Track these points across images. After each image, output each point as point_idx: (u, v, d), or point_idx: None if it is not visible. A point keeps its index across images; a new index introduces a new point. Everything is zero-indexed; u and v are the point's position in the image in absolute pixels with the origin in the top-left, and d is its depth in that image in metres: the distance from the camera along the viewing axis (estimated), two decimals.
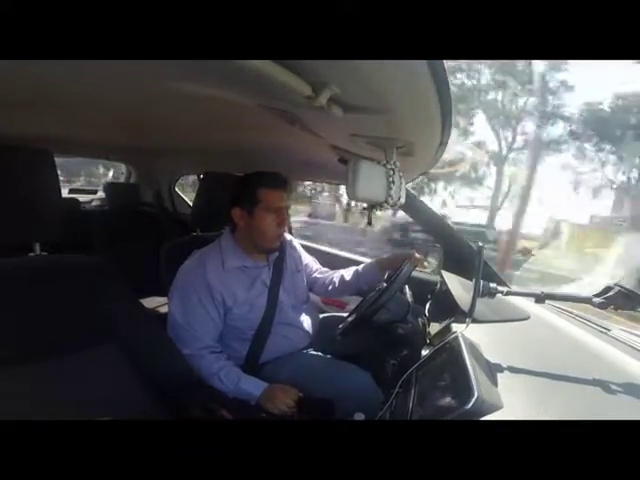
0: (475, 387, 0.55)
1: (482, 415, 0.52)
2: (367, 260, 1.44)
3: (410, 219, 1.43)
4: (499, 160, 12.84)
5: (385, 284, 1.04)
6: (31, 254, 0.79)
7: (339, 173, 1.09)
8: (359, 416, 0.77)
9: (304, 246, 1.38)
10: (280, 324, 1.10)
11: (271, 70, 0.45)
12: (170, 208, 2.27)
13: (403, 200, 0.85)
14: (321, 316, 1.31)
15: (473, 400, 0.53)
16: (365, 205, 0.88)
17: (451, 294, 0.98)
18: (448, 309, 0.94)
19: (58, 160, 0.80)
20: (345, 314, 1.22)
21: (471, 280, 0.81)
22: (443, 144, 0.84)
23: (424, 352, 0.82)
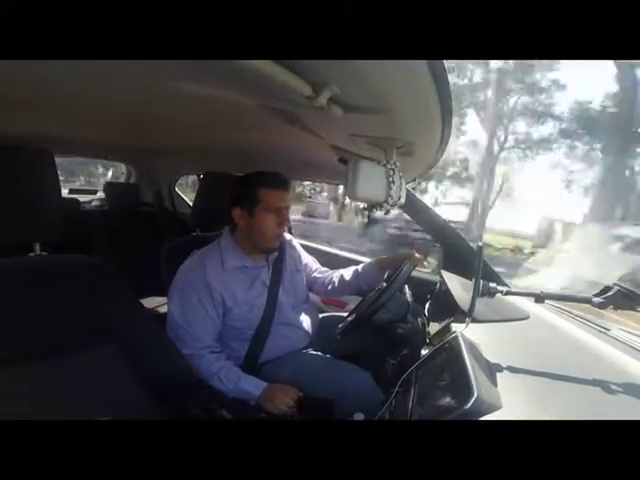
0: (475, 387, 0.55)
1: (482, 415, 0.52)
2: (367, 260, 1.44)
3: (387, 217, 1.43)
4: (491, 159, 12.86)
5: (385, 284, 1.04)
6: (31, 254, 0.79)
7: (339, 173, 1.09)
8: (359, 416, 0.77)
9: (304, 246, 1.38)
10: (280, 324, 1.10)
11: (271, 70, 0.45)
12: (170, 208, 2.27)
13: (403, 200, 0.85)
14: (321, 316, 1.31)
15: (473, 400, 0.53)
16: (363, 205, 0.88)
17: (451, 294, 0.98)
18: (448, 309, 0.94)
19: (58, 160, 0.80)
20: (345, 314, 1.22)
21: (471, 280, 0.81)
22: (443, 144, 0.84)
23: (424, 352, 0.82)
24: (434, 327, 0.98)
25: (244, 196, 1.04)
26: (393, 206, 0.83)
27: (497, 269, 1.20)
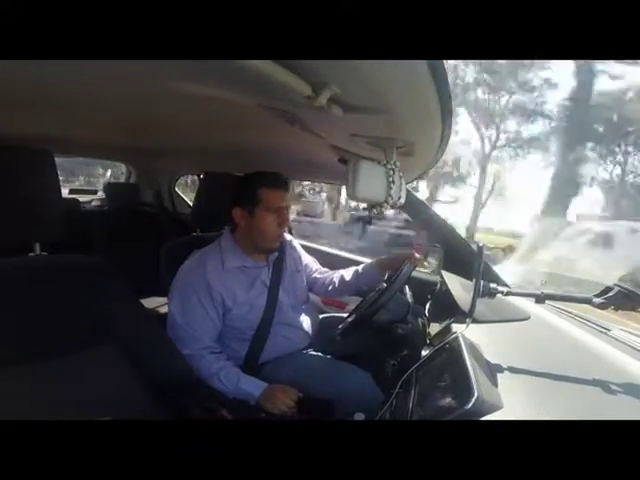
0: (475, 387, 0.55)
1: (482, 415, 0.52)
2: (367, 260, 1.44)
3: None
4: (482, 158, 12.86)
5: (385, 284, 1.04)
6: (31, 254, 0.79)
7: (339, 173, 1.09)
8: (359, 416, 0.77)
9: (304, 246, 1.38)
10: (280, 324, 1.10)
11: (271, 70, 0.45)
12: (170, 208, 2.27)
13: (403, 200, 0.85)
14: (321, 316, 1.31)
15: (473, 400, 0.53)
16: (354, 204, 0.88)
17: (451, 294, 0.98)
18: (448, 309, 0.94)
19: (58, 160, 0.80)
20: (345, 314, 1.22)
21: (471, 280, 0.81)
22: (443, 144, 0.84)
23: (424, 352, 0.82)
24: (434, 327, 0.98)
25: (244, 196, 1.04)
26: (393, 206, 0.83)
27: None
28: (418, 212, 1.34)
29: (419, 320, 1.06)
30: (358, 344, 1.13)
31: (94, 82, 0.63)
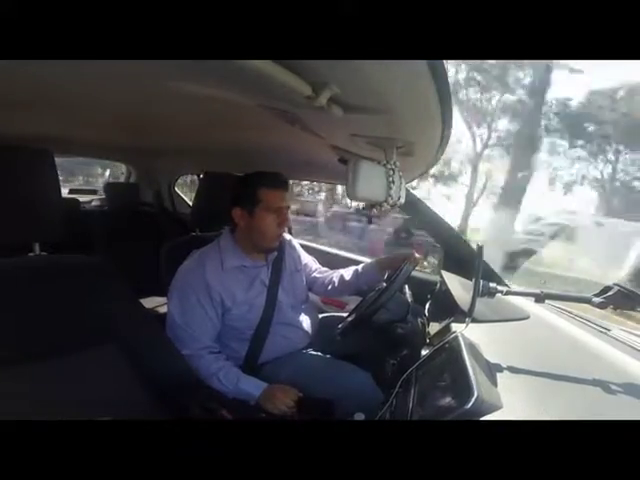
0: (475, 387, 0.55)
1: (482, 415, 0.52)
2: (367, 260, 1.44)
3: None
4: (474, 157, 12.84)
5: (385, 284, 1.04)
6: (31, 254, 0.79)
7: (339, 173, 1.09)
8: (359, 416, 0.77)
9: (303, 246, 1.38)
10: (279, 324, 1.10)
11: (271, 70, 0.45)
12: (170, 208, 2.27)
13: (403, 200, 0.85)
14: (321, 316, 1.31)
15: (473, 400, 0.53)
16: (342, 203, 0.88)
17: (451, 294, 0.98)
18: (448, 309, 0.94)
19: (57, 160, 0.80)
20: (345, 314, 1.22)
21: (471, 280, 0.81)
22: (443, 144, 0.84)
23: (424, 352, 0.82)
24: (434, 327, 0.98)
25: (244, 196, 1.04)
26: (393, 206, 0.83)
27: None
28: (418, 212, 1.34)
29: (419, 320, 1.06)
30: (358, 344, 1.13)
31: (94, 82, 0.63)
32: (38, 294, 0.74)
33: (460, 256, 1.23)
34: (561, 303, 1.07)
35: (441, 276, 1.18)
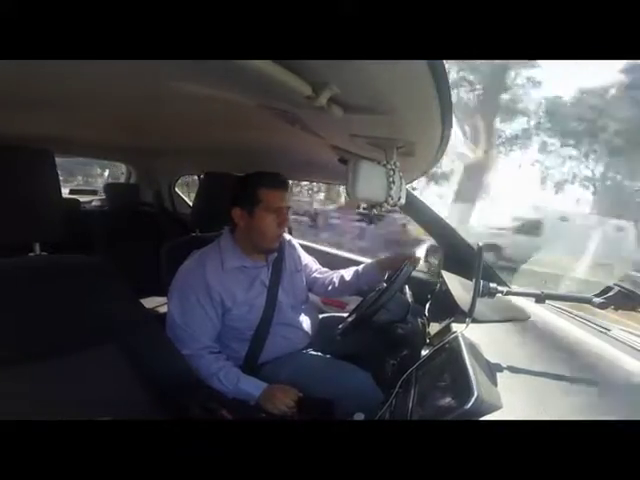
0: (475, 387, 0.55)
1: (482, 415, 0.52)
2: (367, 260, 1.44)
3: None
4: (466, 156, 12.87)
5: (385, 284, 1.04)
6: (31, 254, 0.79)
7: (339, 173, 1.09)
8: (359, 416, 0.77)
9: (303, 246, 1.38)
10: (279, 324, 1.10)
11: (271, 70, 0.45)
12: (170, 208, 2.27)
13: (403, 200, 0.85)
14: (321, 316, 1.31)
15: (473, 400, 0.53)
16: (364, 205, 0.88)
17: (451, 294, 0.98)
18: (448, 309, 0.94)
19: (57, 160, 0.80)
20: (345, 314, 1.22)
21: (471, 280, 0.81)
22: (443, 144, 0.84)
23: (424, 352, 0.82)
24: (434, 327, 0.98)
25: (244, 196, 1.04)
26: (393, 206, 0.83)
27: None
28: (418, 212, 1.34)
29: (419, 320, 1.06)
30: (358, 344, 1.13)
31: (94, 82, 0.63)
32: (38, 294, 0.74)
33: (460, 256, 1.23)
34: (561, 303, 1.07)
35: (441, 276, 1.18)
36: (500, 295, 0.85)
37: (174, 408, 0.76)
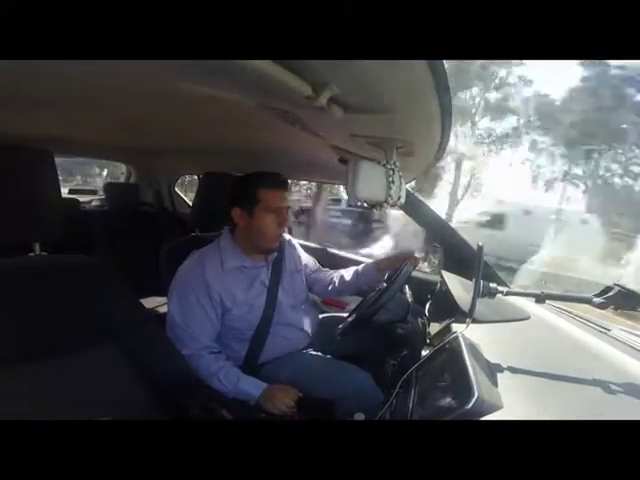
0: (475, 387, 0.55)
1: (482, 415, 0.52)
2: (368, 260, 1.44)
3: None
4: (457, 154, 12.88)
5: (385, 284, 1.04)
6: (31, 254, 0.79)
7: (339, 173, 1.09)
8: (359, 416, 0.77)
9: (303, 246, 1.38)
10: (279, 324, 1.10)
11: (271, 70, 0.45)
12: (170, 208, 2.27)
13: (403, 200, 0.85)
14: (321, 316, 1.31)
15: (473, 400, 0.53)
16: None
17: (451, 294, 0.98)
18: (448, 309, 0.94)
19: (56, 160, 0.80)
20: (345, 314, 1.22)
21: (471, 280, 0.81)
22: (443, 144, 0.84)
23: (424, 352, 0.82)
24: (434, 327, 0.98)
25: (243, 196, 1.04)
26: (393, 206, 0.83)
27: None
28: (418, 212, 1.34)
29: (419, 320, 1.06)
30: (358, 344, 1.13)
31: (94, 82, 0.63)
32: (38, 294, 0.74)
33: (460, 256, 1.23)
34: (561, 303, 1.07)
35: (441, 276, 1.18)
36: (500, 295, 0.85)
37: (174, 408, 0.76)
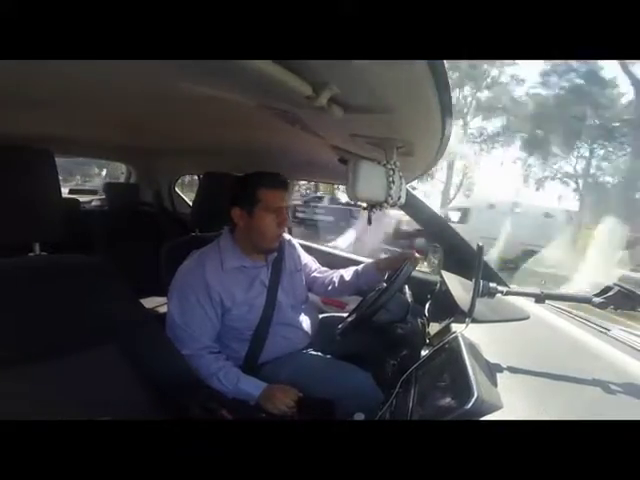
0: (475, 387, 0.55)
1: (482, 415, 0.52)
2: (367, 260, 1.44)
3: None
4: (449, 154, 12.86)
5: (385, 284, 1.04)
6: (31, 254, 0.79)
7: (339, 173, 1.09)
8: (359, 416, 0.77)
9: (303, 246, 1.38)
10: (279, 324, 1.10)
11: (271, 70, 0.45)
12: (170, 208, 2.27)
13: (403, 200, 0.85)
14: (321, 316, 1.31)
15: (473, 400, 0.53)
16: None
17: (451, 294, 0.98)
18: (448, 309, 0.94)
19: (57, 160, 0.80)
20: (345, 314, 1.22)
21: (471, 280, 0.81)
22: (443, 144, 0.84)
23: (424, 352, 0.82)
24: (434, 327, 0.98)
25: (243, 196, 1.04)
26: (393, 206, 0.83)
27: None
28: (418, 212, 1.34)
29: (419, 320, 1.06)
30: (358, 344, 1.13)
31: (94, 82, 0.63)
32: (38, 294, 0.74)
33: (460, 256, 1.23)
34: (561, 303, 1.07)
35: (441, 276, 1.18)
36: (500, 295, 0.85)
37: (174, 408, 0.76)
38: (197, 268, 1.03)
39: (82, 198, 2.53)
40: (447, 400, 0.59)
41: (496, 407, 0.54)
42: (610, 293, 0.79)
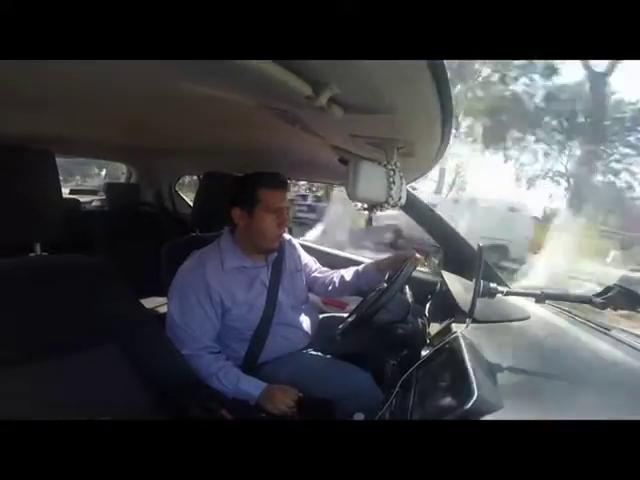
0: (475, 387, 0.55)
1: (482, 415, 0.52)
2: (368, 260, 1.44)
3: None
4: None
5: (385, 284, 1.04)
6: (31, 254, 0.79)
7: (339, 173, 1.09)
8: (359, 416, 0.77)
9: (303, 246, 1.38)
10: (279, 324, 1.10)
11: (271, 70, 0.45)
12: (170, 208, 2.27)
13: (404, 201, 0.85)
14: (321, 316, 1.31)
15: (473, 400, 0.53)
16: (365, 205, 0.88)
17: (451, 294, 0.98)
18: (448, 309, 0.94)
19: (57, 160, 0.80)
20: (345, 314, 1.22)
21: (471, 280, 0.81)
22: (443, 144, 0.84)
23: (424, 352, 0.82)
24: (434, 327, 0.98)
25: (243, 196, 1.04)
26: (394, 207, 0.83)
27: None
28: (418, 212, 1.34)
29: (419, 320, 1.06)
30: (358, 344, 1.13)
31: (94, 82, 0.63)
32: (38, 294, 0.74)
33: (460, 256, 1.23)
34: (561, 303, 1.07)
35: (441, 276, 1.18)
36: (500, 295, 0.85)
37: (174, 408, 0.76)
38: (197, 268, 1.03)
39: (82, 198, 2.53)
40: (447, 400, 0.59)
41: (496, 407, 0.54)
42: (610, 293, 0.79)
